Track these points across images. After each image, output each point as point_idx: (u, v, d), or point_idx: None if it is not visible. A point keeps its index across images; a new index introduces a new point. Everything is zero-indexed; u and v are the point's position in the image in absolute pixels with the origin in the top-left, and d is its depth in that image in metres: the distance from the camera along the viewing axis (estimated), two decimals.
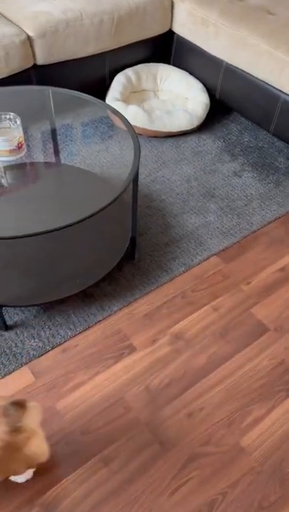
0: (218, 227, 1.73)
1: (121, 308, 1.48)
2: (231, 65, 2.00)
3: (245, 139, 2.12)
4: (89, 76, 2.11)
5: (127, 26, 2.03)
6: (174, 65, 2.30)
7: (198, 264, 1.61)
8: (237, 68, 1.98)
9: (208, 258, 1.63)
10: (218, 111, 2.26)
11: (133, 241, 1.58)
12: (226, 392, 1.29)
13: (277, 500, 1.10)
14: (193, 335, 1.42)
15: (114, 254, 1.53)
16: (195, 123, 2.09)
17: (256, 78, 1.92)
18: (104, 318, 1.46)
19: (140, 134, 2.08)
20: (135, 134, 1.40)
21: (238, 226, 1.74)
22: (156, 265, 1.60)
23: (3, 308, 1.43)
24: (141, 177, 1.91)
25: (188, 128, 2.08)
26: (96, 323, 1.44)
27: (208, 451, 1.18)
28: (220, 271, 1.59)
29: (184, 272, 1.59)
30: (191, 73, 2.23)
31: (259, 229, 1.73)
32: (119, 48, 2.11)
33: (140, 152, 1.36)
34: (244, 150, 2.07)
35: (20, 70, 1.87)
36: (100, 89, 2.20)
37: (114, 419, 1.23)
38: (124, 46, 2.12)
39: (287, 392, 1.29)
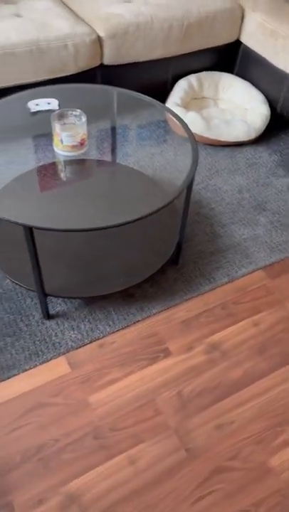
0: (266, 242, 1.71)
1: (160, 312, 1.49)
2: None
3: None
4: (152, 79, 2.13)
5: (195, 33, 2.04)
6: (238, 75, 2.29)
7: (243, 276, 1.60)
8: None
9: (253, 271, 1.61)
10: (278, 124, 2.23)
11: (179, 246, 1.58)
12: (259, 409, 1.27)
13: None
14: (230, 347, 1.41)
15: (159, 257, 1.54)
16: (252, 134, 2.08)
17: None
18: (143, 319, 1.47)
19: (197, 141, 2.08)
20: (194, 141, 1.40)
21: (287, 243, 1.71)
22: (200, 273, 1.60)
23: (48, 297, 1.47)
24: (193, 183, 1.91)
25: (246, 139, 2.07)
26: (134, 322, 1.46)
27: (234, 466, 1.16)
28: (264, 286, 1.57)
29: (226, 283, 1.58)
30: (253, 84, 2.22)
31: None
32: (185, 54, 2.12)
33: (198, 158, 1.36)
34: None
35: (87, 69, 1.92)
36: (160, 92, 2.22)
37: (144, 420, 1.24)
38: (190, 53, 2.13)
39: None
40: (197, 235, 1.73)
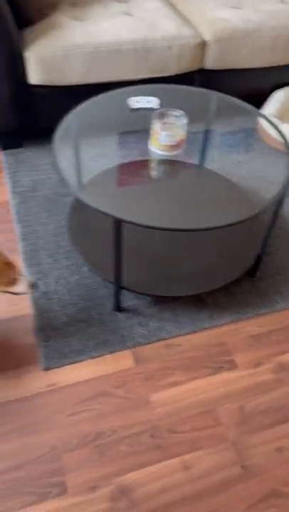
0: None
1: (230, 322, 1.47)
2: None
3: None
4: (250, 87, 2.10)
5: None
6: None
7: None
8: None
9: None
10: None
11: (259, 259, 1.55)
12: None
13: None
14: None
15: (236, 267, 1.52)
16: None
17: None
18: (212, 327, 1.45)
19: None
20: None
21: None
22: (276, 289, 1.55)
23: (122, 290, 1.50)
24: None
25: None
26: (203, 329, 1.44)
27: None
28: None
29: None
30: None
31: None
32: (287, 65, 2.07)
33: None
34: None
35: (187, 71, 1.93)
36: (257, 101, 2.18)
37: (203, 428, 1.22)
38: None
39: None
40: (279, 250, 1.68)
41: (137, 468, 1.15)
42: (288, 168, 1.32)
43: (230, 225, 1.20)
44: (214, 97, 1.62)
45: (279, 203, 1.35)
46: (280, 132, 1.46)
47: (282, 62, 2.04)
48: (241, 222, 1.21)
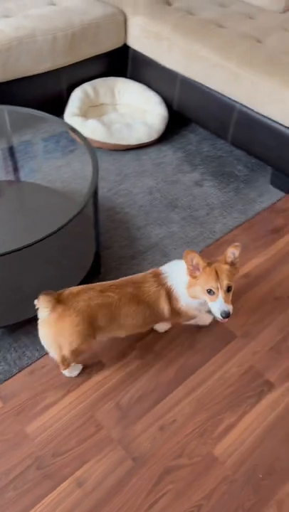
0: (181, 237, 1.75)
1: None
2: (186, 77, 2.04)
3: (205, 149, 2.16)
4: (47, 92, 2.10)
5: (81, 42, 2.04)
6: (131, 78, 2.32)
7: None
8: (192, 80, 2.02)
9: None
10: (177, 122, 2.29)
11: (97, 256, 1.57)
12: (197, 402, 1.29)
13: (252, 507, 1.11)
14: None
15: (79, 269, 1.52)
16: (154, 135, 2.12)
17: (211, 89, 1.96)
18: None
19: (100, 148, 2.08)
20: (92, 149, 1.40)
21: (201, 235, 1.76)
22: None
23: None
24: (103, 190, 1.92)
25: (148, 140, 2.11)
26: None
27: (181, 464, 1.18)
28: None
29: None
30: (148, 86, 2.26)
31: (222, 237, 1.76)
32: (75, 64, 2.12)
33: (98, 167, 1.36)
34: (204, 160, 2.10)
35: None
36: (59, 104, 2.20)
37: (86, 439, 1.21)
38: (80, 62, 2.12)
39: (257, 397, 1.31)
40: (116, 241, 1.73)
41: (31, 507, 1.09)
42: (92, 165, 1.36)
43: (50, 234, 1.19)
44: (6, 110, 1.58)
45: (94, 197, 1.37)
46: (76, 132, 1.49)
47: (69, 62, 2.08)
48: (64, 226, 1.21)
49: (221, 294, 1.11)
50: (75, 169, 2.00)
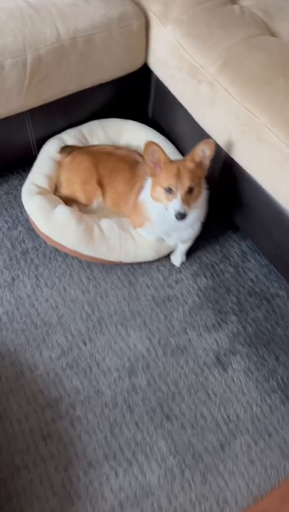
0: None
1: None
2: (234, 160, 1.10)
3: (248, 283, 1.24)
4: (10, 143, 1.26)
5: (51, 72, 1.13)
6: (154, 121, 1.39)
7: None
8: (243, 169, 1.08)
9: None
10: (218, 219, 1.36)
11: None
12: None
13: None
14: None
15: None
16: (165, 250, 1.22)
17: (278, 201, 1.03)
18: None
19: (71, 255, 1.24)
20: None
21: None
22: None
23: None
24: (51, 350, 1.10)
25: (152, 259, 1.23)
26: None
27: None
28: None
29: None
30: (174, 142, 1.33)
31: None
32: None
33: None
34: (243, 305, 1.20)
35: None
36: (24, 159, 1.35)
37: None
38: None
39: None
40: None
41: None
42: None
43: None
44: None
45: None
46: None
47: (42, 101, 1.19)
48: None
49: (179, 194, 0.99)
50: None
